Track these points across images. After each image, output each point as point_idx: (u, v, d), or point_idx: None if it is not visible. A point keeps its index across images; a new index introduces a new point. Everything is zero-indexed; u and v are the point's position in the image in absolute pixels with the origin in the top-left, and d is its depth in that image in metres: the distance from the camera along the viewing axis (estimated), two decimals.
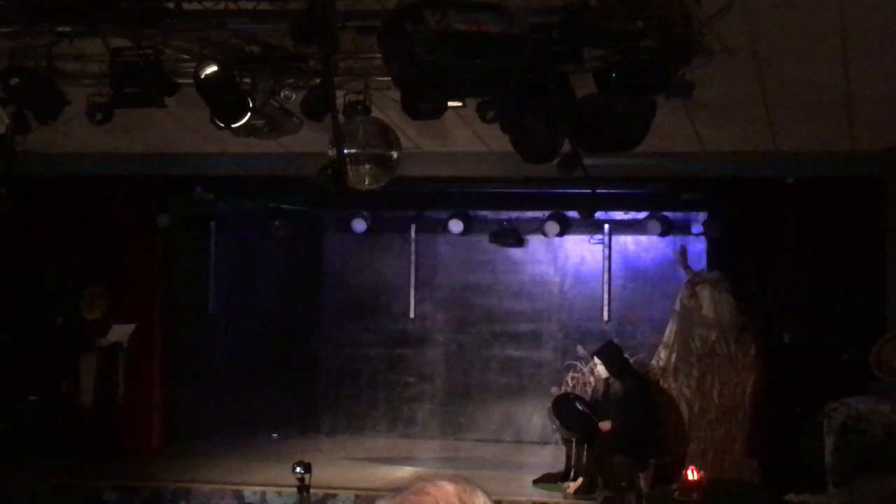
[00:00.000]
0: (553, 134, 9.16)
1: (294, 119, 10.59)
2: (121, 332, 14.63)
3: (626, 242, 16.36)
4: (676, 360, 13.88)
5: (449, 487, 2.40)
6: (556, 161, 9.93)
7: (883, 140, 12.46)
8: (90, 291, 14.76)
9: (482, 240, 16.46)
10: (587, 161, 10.37)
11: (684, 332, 13.97)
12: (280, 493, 12.61)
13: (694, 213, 15.63)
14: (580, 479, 12.87)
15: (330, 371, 17.22)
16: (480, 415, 16.74)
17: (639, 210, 15.77)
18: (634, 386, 13.32)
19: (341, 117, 9.77)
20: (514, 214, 16.35)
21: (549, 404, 14.08)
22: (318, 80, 9.79)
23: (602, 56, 8.79)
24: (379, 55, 8.24)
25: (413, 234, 16.93)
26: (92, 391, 14.62)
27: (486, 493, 2.42)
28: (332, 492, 12.66)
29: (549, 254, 16.63)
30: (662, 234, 15.70)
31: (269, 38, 9.48)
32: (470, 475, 2.50)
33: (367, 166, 10.59)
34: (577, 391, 14.02)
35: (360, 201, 14.95)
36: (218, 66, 9.43)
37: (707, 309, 13.98)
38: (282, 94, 10.21)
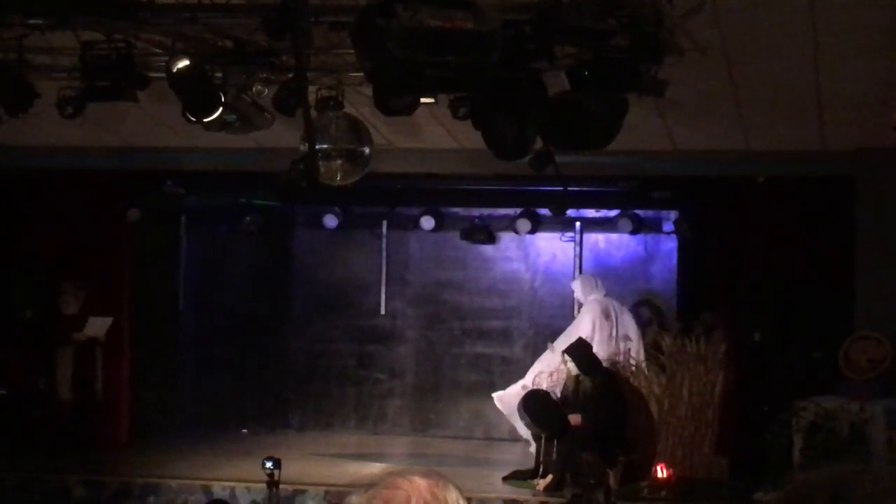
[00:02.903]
0: (524, 131, 9.17)
1: (266, 114, 10.56)
2: (97, 326, 14.57)
3: (598, 240, 16.40)
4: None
5: (421, 482, 2.40)
6: (527, 158, 9.94)
7: (853, 140, 12.52)
8: (68, 286, 14.69)
9: (453, 236, 16.47)
10: (559, 159, 10.37)
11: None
12: (249, 489, 12.58)
13: (665, 212, 15.70)
14: (549, 476, 12.90)
15: (300, 367, 17.20)
16: (450, 411, 16.75)
17: (610, 208, 15.82)
18: (604, 383, 13.35)
19: (313, 113, 9.74)
20: (486, 211, 16.37)
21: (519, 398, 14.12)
22: (290, 75, 9.76)
23: (574, 54, 8.80)
24: (351, 51, 8.23)
25: (384, 231, 16.92)
26: (69, 386, 14.57)
27: (459, 488, 2.43)
28: (301, 487, 12.64)
29: (520, 251, 16.65)
30: (633, 232, 15.76)
31: (241, 33, 9.45)
32: (439, 472, 2.50)
33: (339, 162, 10.57)
34: (547, 388, 14.04)
35: (332, 197, 14.93)
36: (190, 60, 9.40)
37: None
38: (254, 88, 10.17)
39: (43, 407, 14.52)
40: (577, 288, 14.80)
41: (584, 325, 14.31)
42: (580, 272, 16.24)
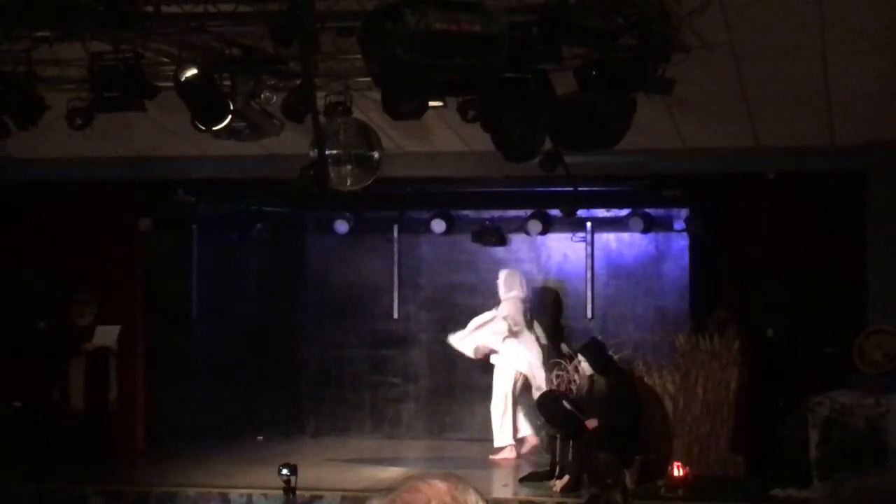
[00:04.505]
0: (533, 132, 9.18)
1: (275, 121, 10.59)
2: (106, 335, 14.58)
3: (609, 240, 16.36)
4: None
5: (441, 485, 2.41)
6: (537, 159, 9.95)
7: (863, 134, 12.50)
8: (80, 297, 14.71)
9: (465, 239, 16.45)
10: (568, 159, 10.38)
11: None
12: (266, 496, 12.58)
13: (676, 210, 15.66)
14: (566, 477, 12.88)
15: (314, 373, 17.19)
16: (465, 414, 16.72)
17: (621, 207, 15.80)
18: (618, 382, 13.34)
19: (322, 118, 9.76)
20: (497, 213, 16.35)
21: (533, 402, 14.14)
22: (298, 82, 9.78)
23: (582, 54, 8.81)
24: (359, 56, 8.24)
25: (395, 235, 16.90)
26: (82, 396, 14.58)
27: (478, 491, 2.43)
28: (318, 493, 12.64)
29: (531, 252, 16.62)
30: (645, 231, 15.73)
31: (249, 41, 9.47)
32: (458, 475, 2.51)
33: (349, 167, 10.59)
34: (562, 389, 14.04)
35: (342, 202, 14.94)
36: (198, 68, 9.42)
37: None
38: (262, 95, 10.20)
39: (57, 418, 14.54)
40: (501, 281, 15.21)
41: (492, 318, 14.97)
42: (592, 272, 16.24)
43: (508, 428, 14.86)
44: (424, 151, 13.32)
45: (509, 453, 14.83)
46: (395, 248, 16.94)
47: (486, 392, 16.41)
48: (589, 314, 16.28)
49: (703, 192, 14.44)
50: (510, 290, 15.07)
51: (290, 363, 17.18)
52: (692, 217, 14.99)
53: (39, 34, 9.07)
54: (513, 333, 14.86)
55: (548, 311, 15.82)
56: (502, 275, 15.24)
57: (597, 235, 16.30)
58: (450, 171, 13.97)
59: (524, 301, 15.14)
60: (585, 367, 13.49)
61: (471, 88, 8.43)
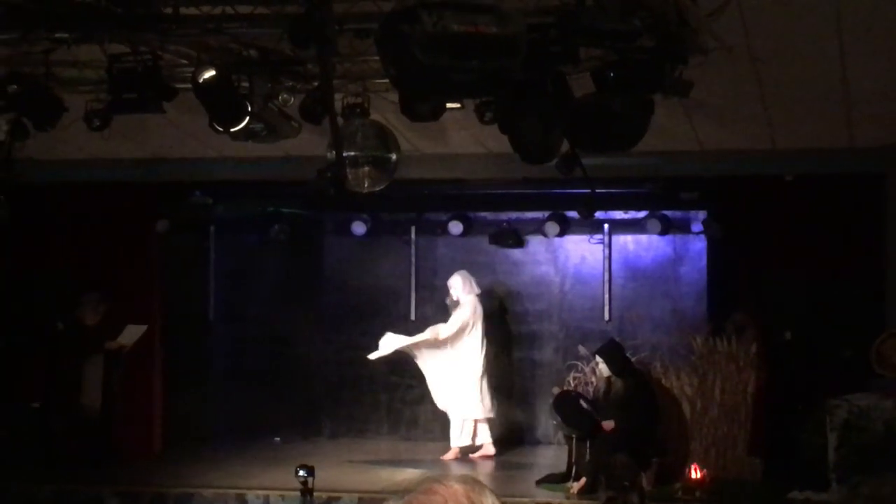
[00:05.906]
0: (551, 134, 9.17)
1: (292, 123, 10.59)
2: (131, 333, 14.57)
3: (626, 242, 16.36)
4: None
5: (458, 487, 2.41)
6: (554, 161, 9.94)
7: (881, 137, 12.47)
8: (88, 297, 14.73)
9: (482, 241, 16.46)
10: (586, 161, 10.37)
11: None
12: (283, 497, 12.61)
13: (693, 212, 15.65)
14: (583, 479, 12.87)
15: (331, 374, 17.21)
16: None
17: (638, 209, 15.79)
18: (636, 385, 13.33)
19: (340, 120, 9.77)
20: (514, 215, 16.36)
21: (550, 400, 14.13)
22: (316, 84, 9.79)
23: (599, 56, 8.80)
24: (377, 58, 8.24)
25: (413, 237, 16.92)
26: (100, 395, 14.59)
27: (495, 493, 2.43)
28: (335, 495, 12.66)
29: (549, 254, 16.63)
30: (662, 233, 15.73)
31: (267, 42, 9.48)
32: (476, 477, 2.51)
33: (366, 169, 10.59)
34: (579, 390, 14.03)
35: (360, 204, 14.95)
36: (216, 70, 9.43)
37: None
38: (280, 97, 10.21)
39: (74, 418, 14.56)
40: (457, 284, 15.41)
41: (455, 322, 15.22)
42: (609, 274, 16.23)
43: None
44: (442, 153, 13.32)
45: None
46: (413, 250, 16.95)
47: (502, 393, 16.41)
48: (606, 316, 16.27)
49: (721, 194, 14.43)
50: (469, 292, 15.27)
51: (307, 364, 17.21)
52: (710, 219, 14.97)
53: (58, 36, 9.09)
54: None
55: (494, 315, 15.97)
56: (459, 277, 15.38)
57: (614, 237, 16.29)
58: (467, 172, 13.98)
59: (480, 298, 15.44)
60: (603, 368, 13.49)
61: (488, 90, 8.42)
